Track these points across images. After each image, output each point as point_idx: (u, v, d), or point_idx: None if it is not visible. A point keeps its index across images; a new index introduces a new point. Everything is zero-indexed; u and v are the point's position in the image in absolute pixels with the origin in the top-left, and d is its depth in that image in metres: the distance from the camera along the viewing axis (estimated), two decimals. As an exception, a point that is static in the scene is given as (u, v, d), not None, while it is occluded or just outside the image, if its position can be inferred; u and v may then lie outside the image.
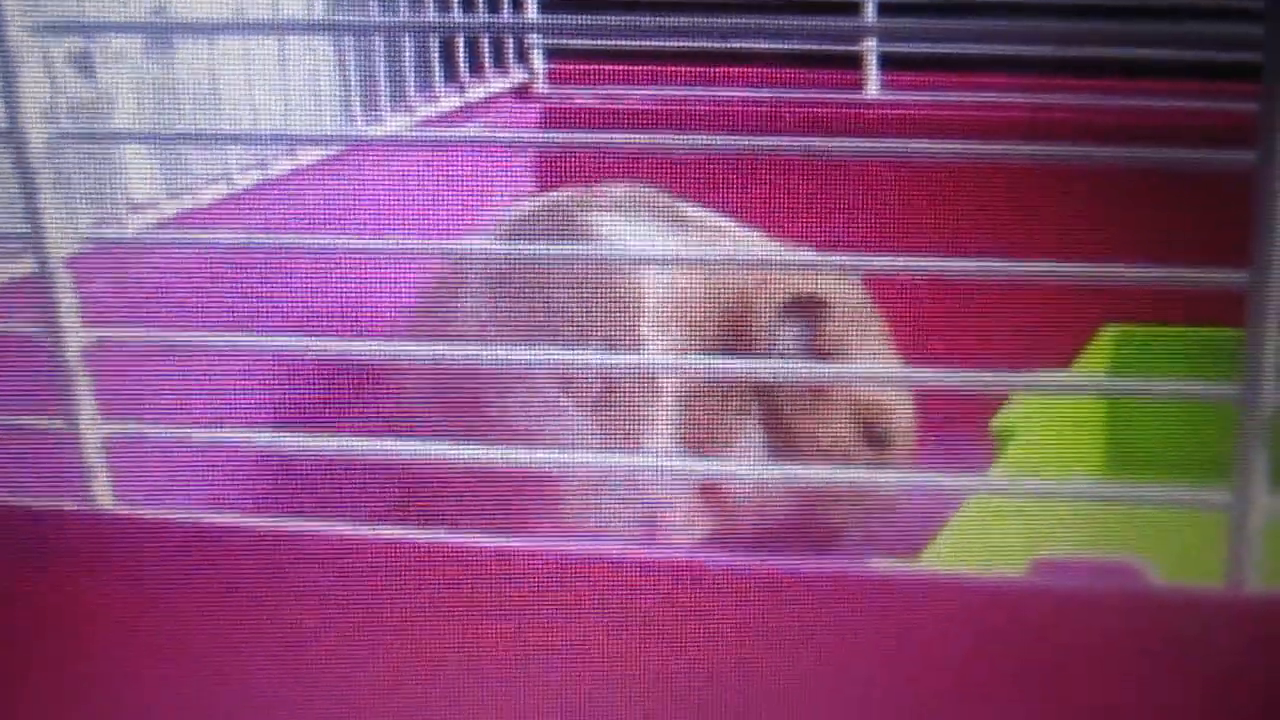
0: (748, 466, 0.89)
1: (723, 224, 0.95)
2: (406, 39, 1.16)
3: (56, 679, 0.66)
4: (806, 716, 0.57)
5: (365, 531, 0.61)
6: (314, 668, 0.62)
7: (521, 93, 1.26)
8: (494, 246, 0.95)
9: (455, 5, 1.19)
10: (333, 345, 0.67)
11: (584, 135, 0.62)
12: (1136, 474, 0.94)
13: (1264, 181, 0.49)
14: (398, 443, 0.64)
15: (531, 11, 1.25)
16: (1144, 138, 0.53)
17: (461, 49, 1.21)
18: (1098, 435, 0.97)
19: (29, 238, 0.62)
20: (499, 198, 1.13)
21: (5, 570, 0.65)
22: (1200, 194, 0.68)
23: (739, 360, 0.88)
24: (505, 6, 1.23)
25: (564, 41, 1.27)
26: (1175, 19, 0.53)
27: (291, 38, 1.07)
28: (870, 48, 1.18)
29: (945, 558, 0.73)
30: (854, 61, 1.18)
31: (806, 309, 0.90)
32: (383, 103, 1.13)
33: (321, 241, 0.84)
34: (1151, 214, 0.96)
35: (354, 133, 1.12)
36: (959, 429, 0.84)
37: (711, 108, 1.18)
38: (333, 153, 1.08)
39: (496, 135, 1.21)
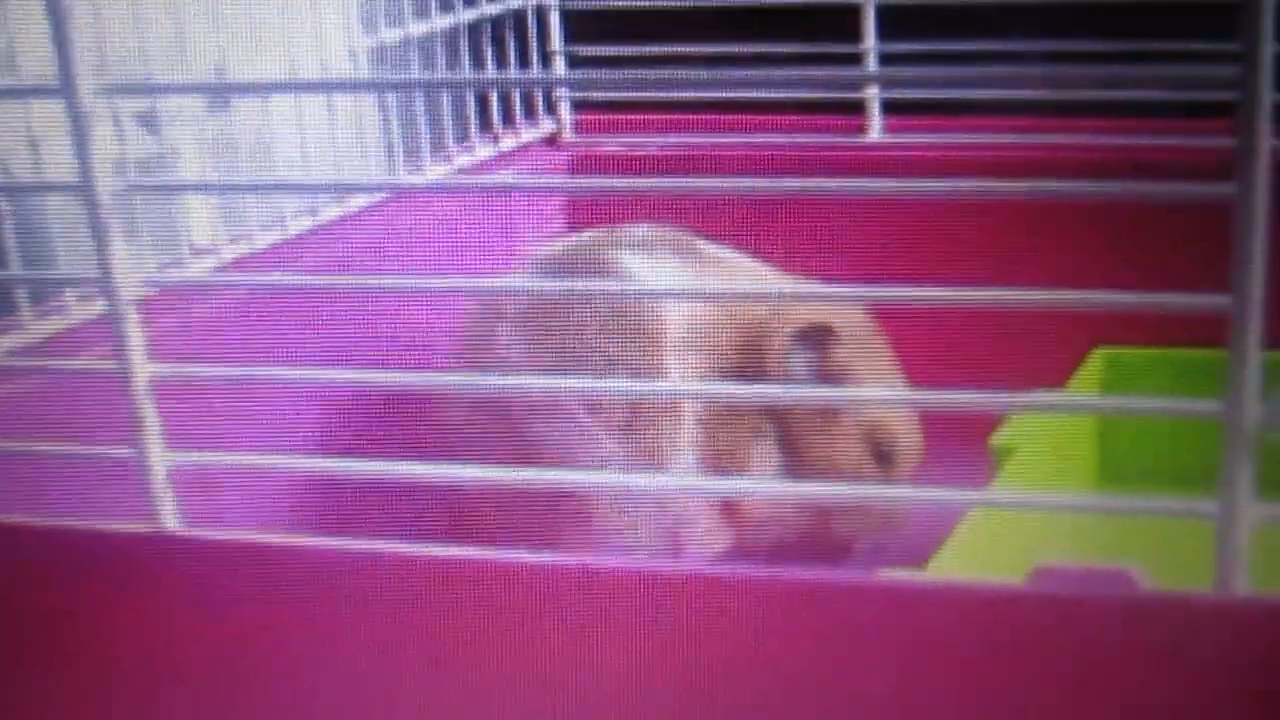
0: (764, 484, 0.88)
1: (738, 260, 0.95)
2: (445, 94, 1.15)
3: (125, 694, 0.66)
4: (821, 714, 0.57)
5: (412, 549, 0.61)
6: (369, 677, 0.62)
7: (551, 142, 1.26)
8: (527, 283, 0.94)
9: (489, 62, 1.18)
10: (379, 378, 0.66)
11: (609, 180, 0.62)
12: (1128, 487, 0.94)
13: (1242, 211, 0.48)
14: (442, 467, 0.63)
15: (560, 67, 1.25)
16: (1131, 173, 0.53)
17: (495, 102, 1.21)
18: (1091, 451, 0.97)
19: (100, 281, 0.62)
20: (531, 238, 1.13)
21: (78, 590, 0.65)
22: (1184, 224, 0.68)
23: (754, 386, 0.88)
24: (535, 63, 1.23)
25: (589, 95, 1.27)
26: (1160, 62, 0.52)
27: (339, 95, 1.07)
28: (873, 95, 1.17)
29: (950, 567, 0.72)
30: (857, 107, 1.18)
31: (817, 337, 0.89)
32: (423, 152, 1.13)
33: (369, 281, 0.84)
34: (1139, 244, 0.95)
35: (397, 180, 1.12)
36: (960, 447, 0.83)
37: (726, 153, 1.18)
38: (378, 199, 1.08)
39: (528, 181, 1.21)
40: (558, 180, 1.26)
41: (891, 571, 0.63)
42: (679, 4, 1.18)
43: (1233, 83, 0.48)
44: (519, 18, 1.23)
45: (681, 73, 0.61)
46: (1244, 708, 0.52)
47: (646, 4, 1.18)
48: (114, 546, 0.64)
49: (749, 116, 1.19)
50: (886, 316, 0.92)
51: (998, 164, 1.07)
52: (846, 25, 1.15)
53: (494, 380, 0.84)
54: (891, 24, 1.15)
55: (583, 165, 1.24)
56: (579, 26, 1.25)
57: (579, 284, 0.90)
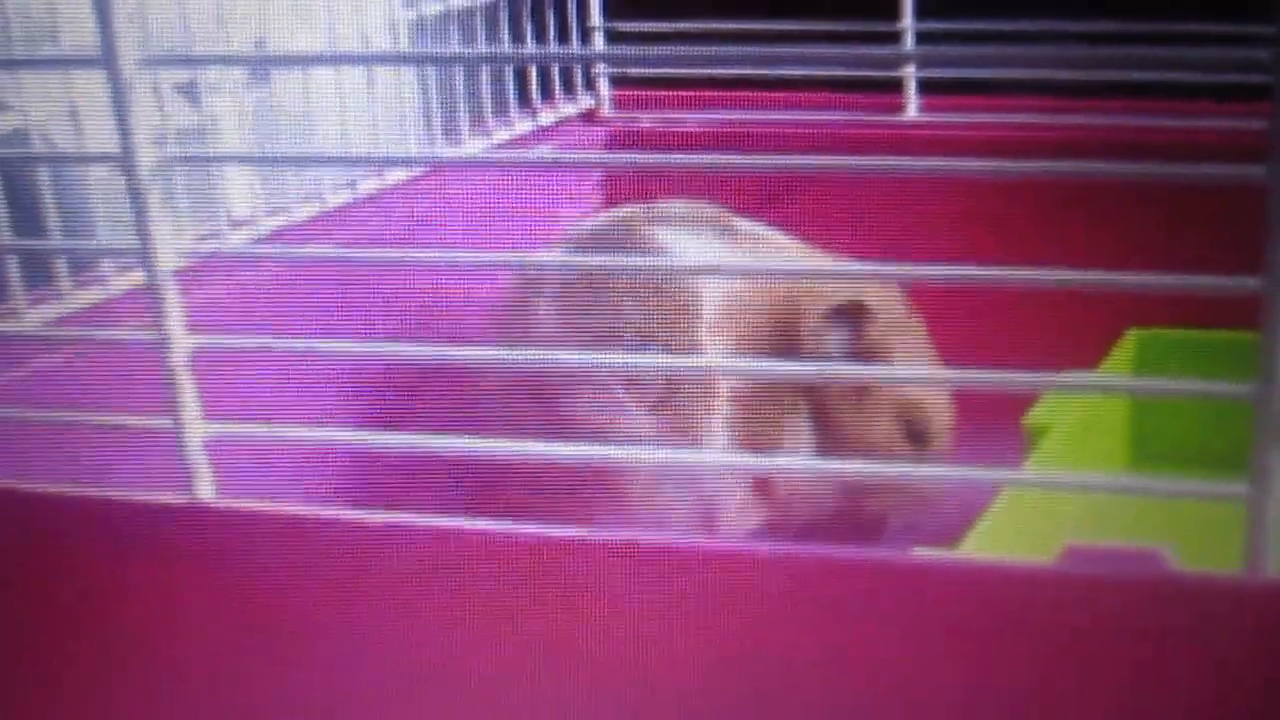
0: (798, 462, 0.88)
1: (774, 237, 0.94)
2: (484, 69, 1.16)
3: (161, 663, 0.66)
4: (854, 690, 0.57)
5: (446, 523, 0.61)
6: (403, 648, 0.62)
7: (589, 117, 1.26)
8: (565, 258, 0.94)
9: (528, 37, 1.19)
10: (416, 351, 0.66)
11: (646, 156, 0.62)
12: (1159, 468, 0.94)
13: (1274, 193, 0.48)
14: (476, 441, 0.64)
15: (598, 43, 1.25)
16: (1165, 154, 0.53)
17: (534, 78, 1.21)
18: (1123, 432, 0.96)
19: (140, 253, 0.62)
20: (569, 213, 1.13)
21: (114, 559, 0.65)
22: (1217, 206, 0.68)
23: (789, 363, 0.88)
24: (574, 38, 1.23)
25: (628, 70, 1.27)
26: (1194, 44, 0.52)
27: (379, 68, 1.07)
28: (910, 73, 1.17)
29: (981, 546, 0.72)
30: (895, 86, 1.17)
31: (851, 315, 0.89)
32: (463, 127, 1.13)
33: (406, 256, 0.84)
34: (1172, 225, 0.95)
35: (436, 155, 1.12)
36: (994, 426, 0.83)
37: (763, 130, 1.18)
38: (417, 173, 1.08)
39: (567, 156, 1.21)
40: (596, 155, 1.26)
41: (923, 550, 0.63)
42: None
43: (1264, 65, 0.48)
44: (559, -8, 1.23)
45: (719, 49, 0.61)
46: (1271, 689, 0.52)
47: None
48: (151, 516, 0.64)
49: (787, 94, 1.19)
50: (921, 295, 0.92)
51: (1033, 144, 1.07)
52: (884, 4, 1.15)
53: (530, 354, 0.84)
54: (928, 4, 1.15)
55: (621, 141, 1.24)
56: (618, 2, 1.25)
57: (615, 259, 0.90)
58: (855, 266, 0.78)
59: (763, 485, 0.90)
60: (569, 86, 1.25)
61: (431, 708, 0.63)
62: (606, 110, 1.26)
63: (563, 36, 1.23)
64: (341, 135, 1.03)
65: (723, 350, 0.88)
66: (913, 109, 1.18)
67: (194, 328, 0.63)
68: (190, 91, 1.00)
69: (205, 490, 0.64)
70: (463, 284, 0.98)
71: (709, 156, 0.62)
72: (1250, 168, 0.49)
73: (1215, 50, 0.51)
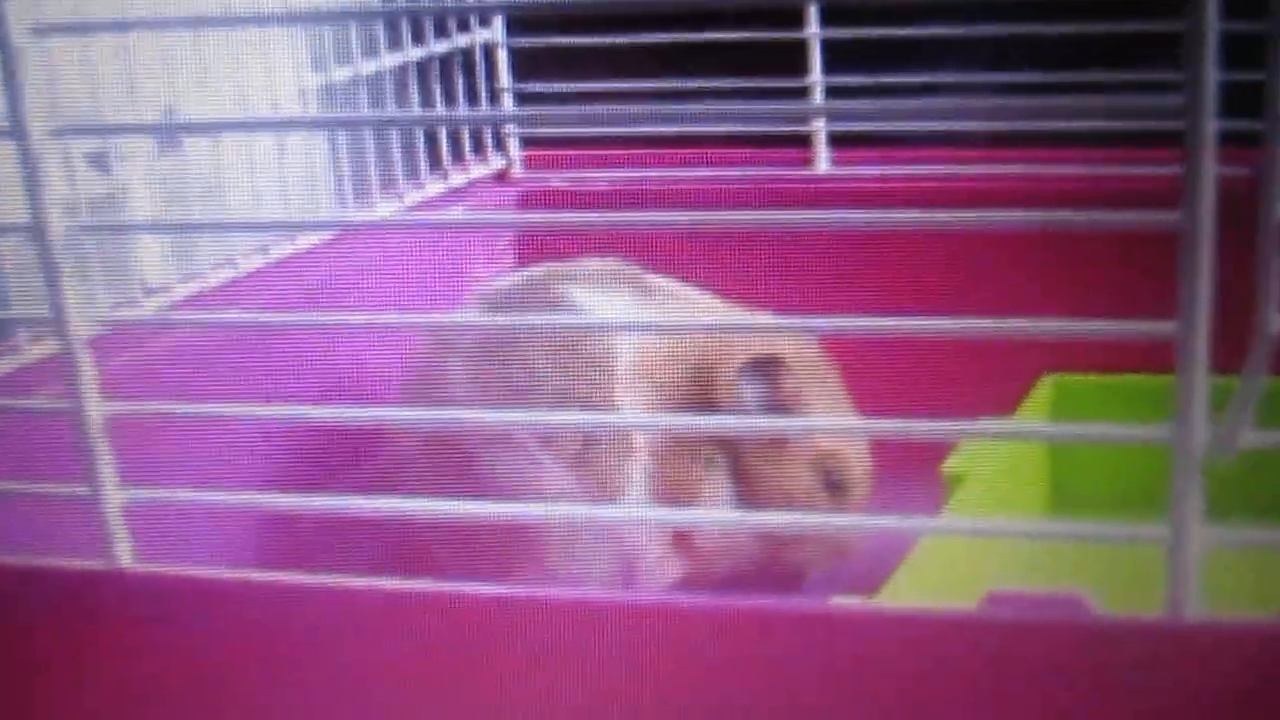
0: (716, 514, 0.88)
1: (687, 293, 0.94)
2: (395, 132, 1.15)
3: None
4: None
5: (366, 583, 0.61)
6: (324, 710, 0.62)
7: (500, 177, 1.26)
8: (477, 318, 0.94)
9: (438, 99, 1.18)
10: (331, 413, 0.66)
11: (558, 215, 0.62)
12: (1079, 512, 0.94)
13: (1188, 239, 0.49)
14: (394, 501, 0.63)
15: (508, 104, 1.25)
16: (1080, 202, 0.53)
17: (444, 140, 1.21)
18: (1042, 477, 0.97)
19: (53, 321, 0.62)
20: (481, 274, 1.12)
21: (33, 626, 0.65)
22: (1131, 252, 0.68)
23: (705, 417, 0.88)
24: (484, 100, 1.23)
25: (538, 130, 1.27)
26: (1104, 92, 0.53)
27: (290, 133, 1.06)
28: (819, 127, 1.17)
29: (902, 594, 0.72)
30: (804, 140, 1.18)
31: (766, 368, 0.89)
32: (374, 190, 1.13)
33: (320, 318, 0.84)
34: (1086, 272, 0.96)
35: (347, 218, 1.12)
36: (912, 474, 0.83)
37: (674, 187, 1.18)
38: (329, 237, 1.07)
39: (478, 217, 1.21)
40: (507, 216, 1.26)
41: (844, 599, 0.63)
42: (626, 41, 1.18)
43: (1177, 112, 0.48)
44: (467, 55, 1.22)
45: (629, 107, 0.61)
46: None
47: (594, 40, 1.18)
48: (70, 582, 0.64)
49: (697, 151, 1.19)
50: (836, 347, 0.92)
51: (945, 195, 1.08)
52: (792, 59, 1.15)
53: (446, 413, 0.84)
54: (837, 57, 1.15)
55: (532, 200, 1.24)
56: (527, 63, 1.25)
57: (529, 318, 0.89)
58: (769, 320, 0.79)
59: (682, 538, 0.90)
60: (479, 148, 1.25)
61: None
62: (517, 170, 1.26)
63: (472, 98, 1.22)
64: (253, 201, 1.02)
65: (639, 405, 0.88)
66: (823, 162, 1.18)
67: (109, 395, 0.63)
68: (100, 160, 0.99)
69: (124, 556, 0.63)
70: (378, 346, 0.98)
71: (620, 214, 0.61)
72: (1165, 214, 0.49)
73: (1126, 98, 0.52)
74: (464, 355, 0.90)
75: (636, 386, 0.88)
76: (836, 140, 1.18)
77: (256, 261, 1.02)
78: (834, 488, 0.90)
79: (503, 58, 1.25)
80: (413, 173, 1.18)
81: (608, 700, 0.58)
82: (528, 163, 1.27)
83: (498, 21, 1.24)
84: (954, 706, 0.54)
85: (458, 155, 1.23)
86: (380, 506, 0.63)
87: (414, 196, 1.17)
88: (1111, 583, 0.55)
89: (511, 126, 1.26)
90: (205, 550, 0.75)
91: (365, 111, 1.14)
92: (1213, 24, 0.47)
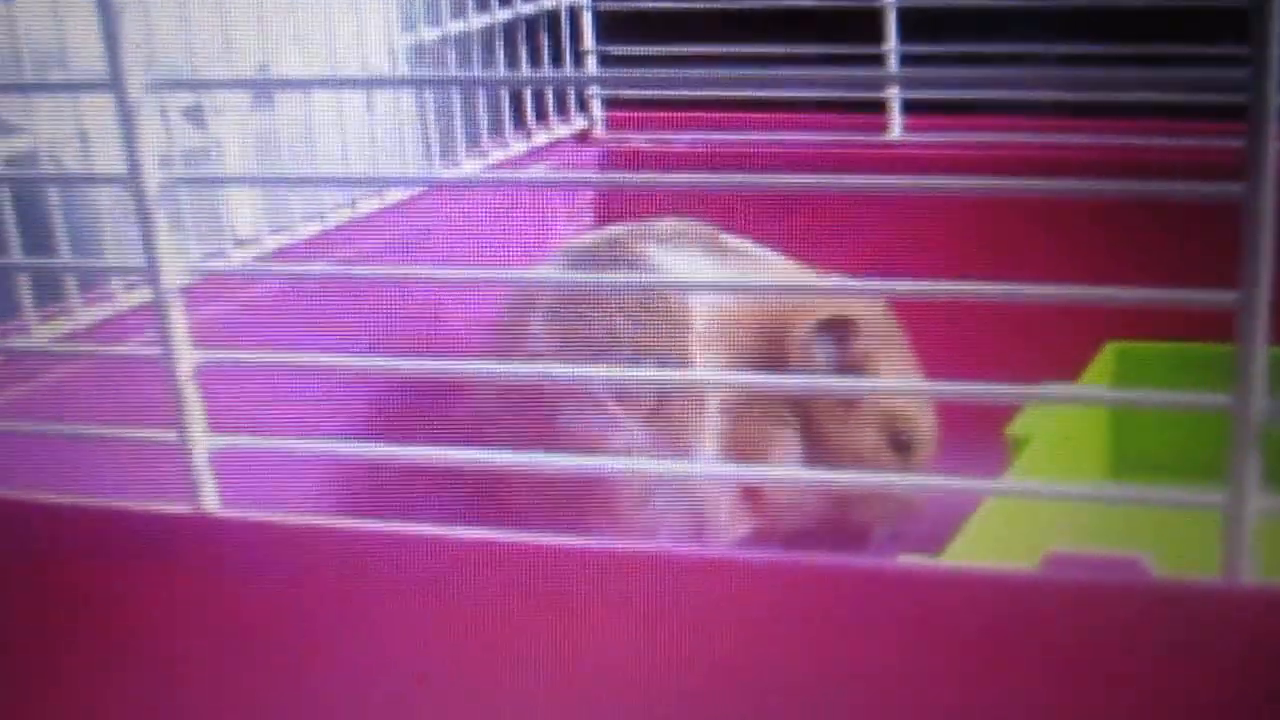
0: (786, 471, 0.88)
1: (762, 254, 0.94)
2: (480, 92, 1.16)
3: (166, 672, 0.66)
4: (840, 695, 0.57)
5: (444, 532, 0.61)
6: (399, 656, 0.62)
7: (582, 138, 1.26)
8: (558, 275, 0.94)
9: (523, 60, 1.19)
10: (414, 365, 0.66)
11: (638, 175, 0.62)
12: (1138, 477, 0.94)
13: (1250, 211, 0.48)
14: (475, 451, 0.63)
15: (591, 66, 1.25)
16: (1144, 172, 0.53)
17: (529, 100, 1.22)
18: (1103, 442, 0.96)
19: (147, 271, 0.62)
20: (562, 232, 1.13)
21: (121, 570, 0.65)
22: (1195, 223, 0.68)
23: (777, 376, 0.88)
24: (568, 61, 1.23)
25: (620, 92, 1.27)
26: (1171, 65, 0.52)
27: (378, 92, 1.07)
28: (893, 94, 1.17)
29: (965, 553, 0.72)
30: (879, 107, 1.17)
31: (837, 329, 0.89)
32: (459, 148, 1.13)
33: (405, 272, 0.84)
34: (1152, 241, 0.95)
35: (434, 175, 1.12)
36: (977, 436, 0.83)
37: (752, 150, 1.18)
38: (415, 193, 1.08)
39: (560, 176, 1.21)
40: (589, 175, 1.26)
41: (908, 557, 0.63)
42: (708, 5, 1.18)
43: (1241, 85, 0.48)
44: (553, 17, 1.23)
45: (709, 72, 0.61)
46: (1248, 693, 0.51)
47: (676, 5, 1.18)
48: (156, 527, 0.64)
49: (774, 115, 1.19)
50: (906, 310, 0.92)
51: (1014, 162, 1.07)
52: (869, 27, 1.15)
53: (524, 368, 0.84)
54: (912, 26, 1.15)
55: (613, 161, 1.24)
56: (611, 25, 1.25)
57: (608, 276, 0.90)
58: (841, 282, 0.78)
59: (751, 494, 0.90)
60: (563, 108, 1.25)
61: (432, 714, 0.62)
62: (599, 131, 1.26)
63: (557, 60, 1.23)
64: (342, 156, 1.03)
65: (712, 364, 0.88)
66: (896, 129, 1.18)
67: (199, 343, 0.63)
68: (195, 115, 0.99)
69: (210, 502, 0.64)
70: (460, 300, 0.98)
71: (699, 176, 0.62)
72: (1228, 185, 0.49)
73: (1192, 70, 0.51)
74: (543, 311, 0.90)
75: (710, 345, 0.89)
76: (910, 107, 1.17)
77: (344, 215, 1.03)
78: (900, 448, 0.90)
79: (587, 20, 1.25)
80: (497, 131, 1.18)
81: (676, 652, 0.58)
82: (609, 123, 1.27)
83: (583, -15, 1.24)
84: (1013, 665, 0.54)
85: (541, 115, 1.23)
86: (459, 457, 0.63)
87: (498, 155, 1.17)
88: (1169, 547, 0.55)
89: (594, 88, 1.26)
90: (289, 498, 0.76)
91: (453, 71, 1.14)
92: (1278, -1, 0.47)
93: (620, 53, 1.24)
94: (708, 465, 0.88)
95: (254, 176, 1.06)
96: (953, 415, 0.91)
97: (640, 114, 1.26)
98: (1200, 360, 0.88)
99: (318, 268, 0.94)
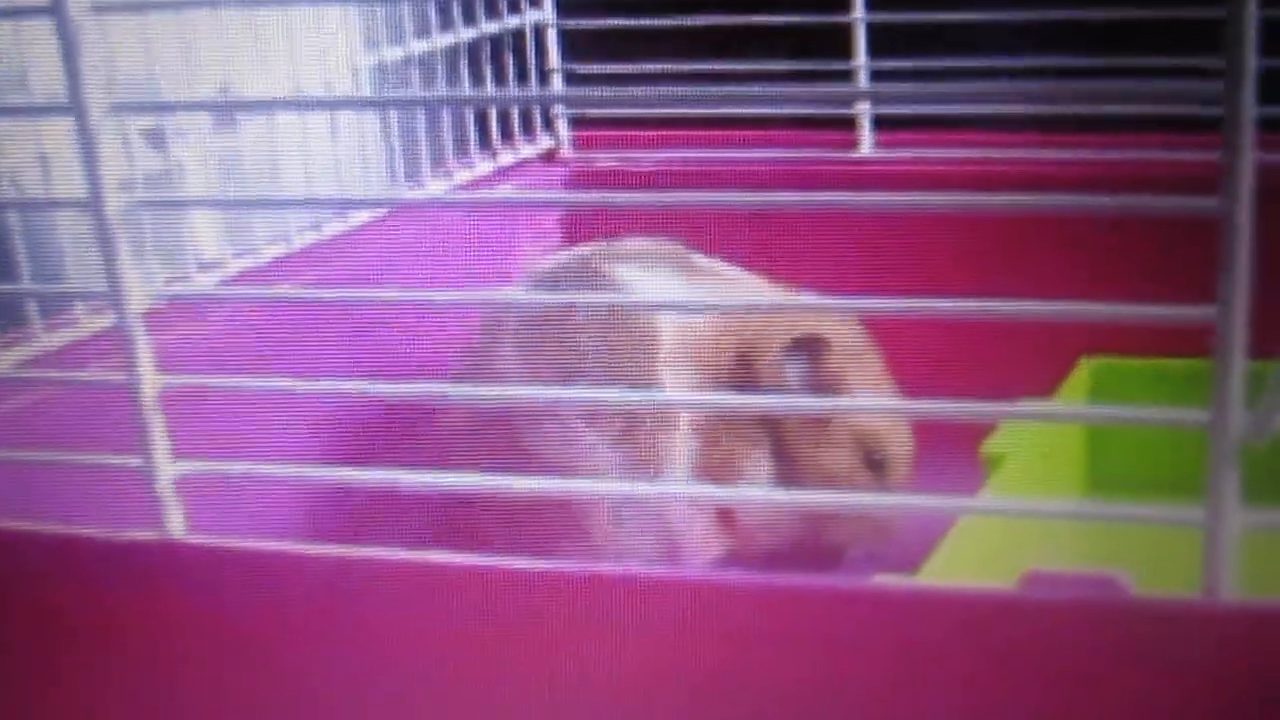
0: (758, 492, 0.88)
1: (731, 273, 0.94)
2: (445, 111, 1.15)
3: (132, 699, 0.66)
4: (815, 714, 0.57)
5: (413, 556, 0.61)
6: (370, 682, 0.62)
7: (549, 157, 1.26)
8: (525, 296, 0.94)
9: (489, 79, 1.18)
10: (381, 389, 0.66)
11: (605, 195, 0.62)
12: (1116, 494, 0.94)
13: (1227, 225, 0.48)
14: (442, 475, 0.63)
15: (557, 85, 1.25)
16: (1119, 187, 0.52)
17: (494, 119, 1.21)
18: (1079, 459, 0.96)
19: (109, 295, 0.62)
20: (529, 252, 1.12)
21: (86, 594, 0.65)
22: (1170, 237, 0.68)
23: (748, 396, 0.88)
24: (534, 80, 1.23)
25: (586, 111, 1.27)
26: (1146, 78, 0.52)
27: (342, 112, 1.07)
28: (863, 110, 1.17)
29: (941, 573, 0.72)
30: (849, 123, 1.18)
31: (809, 347, 0.89)
32: (424, 169, 1.13)
33: (371, 295, 0.84)
34: (1126, 256, 0.95)
35: (399, 196, 1.12)
36: (951, 455, 0.83)
37: (720, 168, 1.18)
38: (380, 214, 1.07)
39: (527, 196, 1.21)
40: (555, 195, 1.26)
41: (884, 577, 0.62)
42: (675, 23, 1.18)
43: (1217, 98, 0.48)
44: (518, 36, 1.23)
45: (675, 90, 0.61)
46: (1228, 709, 0.51)
47: (643, 23, 1.18)
48: (122, 553, 0.64)
49: (743, 132, 1.19)
50: (878, 328, 0.92)
51: (986, 178, 1.07)
52: (838, 43, 1.15)
53: (494, 391, 0.84)
54: (882, 42, 1.15)
55: (579, 180, 1.24)
56: (577, 44, 1.25)
57: (576, 296, 0.89)
58: (812, 300, 0.78)
59: (725, 515, 0.90)
60: (528, 128, 1.25)
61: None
62: (566, 150, 1.26)
63: (522, 79, 1.22)
64: (306, 178, 1.03)
65: (683, 384, 0.88)
66: (867, 145, 1.18)
67: (163, 368, 0.63)
68: (156, 137, 0.99)
69: (175, 527, 0.64)
70: (426, 323, 0.98)
71: (667, 195, 0.61)
72: (1204, 200, 0.49)
73: (1167, 83, 0.52)
74: (511, 333, 0.90)
75: (680, 365, 0.88)
76: (880, 123, 1.18)
77: (309, 238, 1.02)
78: (875, 467, 0.90)
79: (553, 38, 1.25)
80: (463, 152, 1.18)
81: (650, 674, 0.58)
82: (576, 143, 1.27)
83: (548, 2, 1.24)
84: (991, 684, 0.54)
85: (507, 135, 1.23)
86: (428, 481, 0.63)
87: (464, 175, 1.17)
88: (1148, 565, 0.55)
89: (560, 107, 1.26)
90: (256, 523, 0.75)
91: (417, 91, 1.14)
92: (1253, 10, 0.47)
93: (586, 71, 1.24)
94: (679, 486, 0.87)
95: (217, 199, 1.06)
96: (928, 434, 0.91)
97: (607, 133, 1.26)
98: (1177, 375, 0.88)
99: (283, 291, 0.94)
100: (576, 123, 1.27)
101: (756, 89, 0.60)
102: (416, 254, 1.07)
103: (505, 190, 1.19)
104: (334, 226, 1.04)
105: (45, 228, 0.88)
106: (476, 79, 1.18)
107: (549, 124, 1.26)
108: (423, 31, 1.14)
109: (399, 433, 0.89)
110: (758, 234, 0.89)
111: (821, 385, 0.89)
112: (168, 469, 0.63)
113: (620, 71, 1.15)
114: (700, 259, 0.94)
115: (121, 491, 0.65)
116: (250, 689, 0.64)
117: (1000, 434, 0.88)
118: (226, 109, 1.05)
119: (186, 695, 0.65)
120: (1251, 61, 0.47)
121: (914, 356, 0.88)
